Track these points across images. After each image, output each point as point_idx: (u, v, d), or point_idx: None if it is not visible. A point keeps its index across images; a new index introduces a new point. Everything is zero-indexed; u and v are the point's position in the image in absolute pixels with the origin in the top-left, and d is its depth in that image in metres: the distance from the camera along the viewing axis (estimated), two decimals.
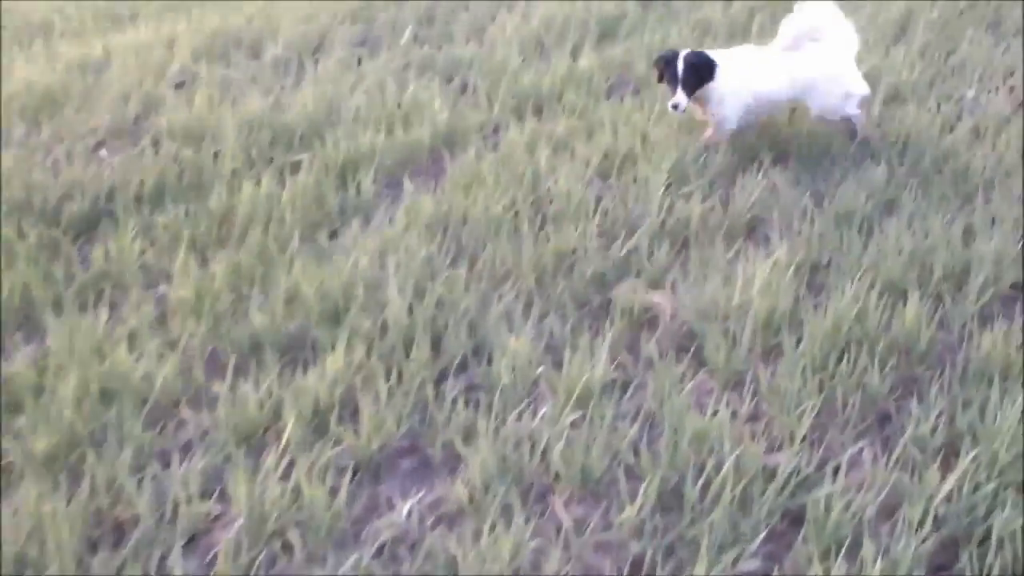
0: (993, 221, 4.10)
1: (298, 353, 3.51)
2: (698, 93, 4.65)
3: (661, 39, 6.16)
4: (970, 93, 5.40)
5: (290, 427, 3.11)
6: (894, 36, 6.16)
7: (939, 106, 5.22)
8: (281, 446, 3.06)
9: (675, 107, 4.59)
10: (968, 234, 4.02)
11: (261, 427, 3.17)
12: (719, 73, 4.63)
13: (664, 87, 4.74)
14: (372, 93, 5.63)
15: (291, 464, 2.99)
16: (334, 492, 2.91)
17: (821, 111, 4.88)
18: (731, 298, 3.63)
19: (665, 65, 4.64)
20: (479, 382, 3.35)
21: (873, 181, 4.41)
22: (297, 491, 2.89)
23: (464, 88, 5.79)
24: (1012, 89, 5.40)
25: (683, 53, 4.61)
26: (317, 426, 3.17)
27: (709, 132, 4.86)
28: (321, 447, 3.06)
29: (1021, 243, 3.93)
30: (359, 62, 6.21)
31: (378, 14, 7.10)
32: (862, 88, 4.85)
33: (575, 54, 6.08)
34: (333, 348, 3.44)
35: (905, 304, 3.54)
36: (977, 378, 3.27)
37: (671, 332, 3.56)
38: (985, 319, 3.58)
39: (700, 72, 4.60)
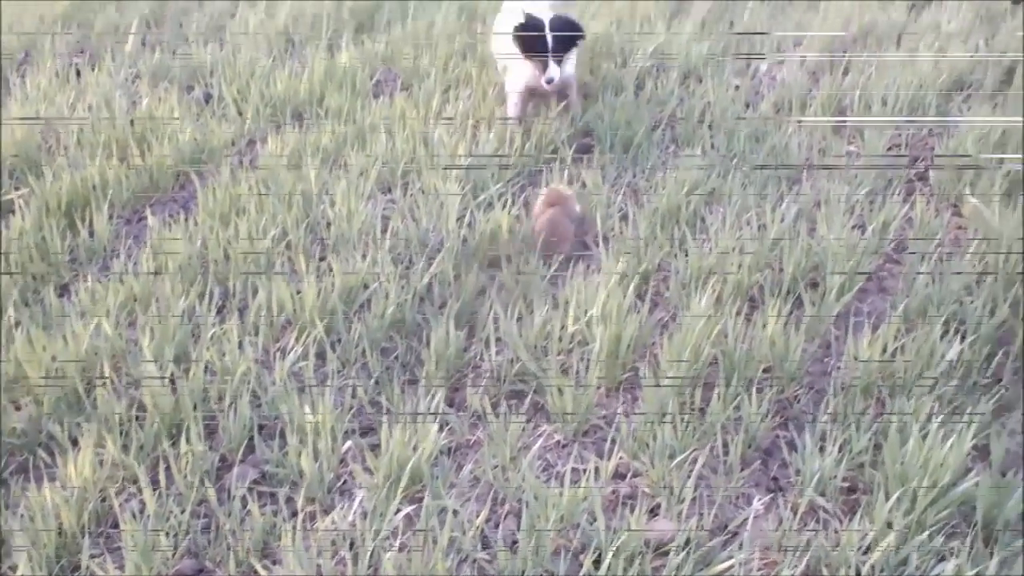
0: (816, 204, 3.72)
1: (28, 459, 2.70)
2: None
3: (426, 27, 5.53)
4: (763, 67, 5.06)
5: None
6: (674, 9, 5.77)
7: (736, 83, 4.84)
8: None
9: (549, 81, 4.16)
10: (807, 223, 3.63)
11: None
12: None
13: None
14: (98, 110, 4.69)
15: None
16: None
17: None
18: (565, 327, 3.06)
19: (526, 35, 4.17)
20: (273, 471, 2.65)
21: (690, 170, 3.94)
22: None
23: (208, 98, 4.96)
24: (804, 60, 5.09)
25: (548, 19, 4.18)
26: (62, 569, 2.38)
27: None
28: None
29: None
30: (78, 74, 5.25)
31: (95, 16, 6.12)
32: None
33: (332, 50, 5.37)
34: (75, 445, 2.65)
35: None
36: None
37: (500, 377, 2.95)
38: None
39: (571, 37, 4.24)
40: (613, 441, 2.71)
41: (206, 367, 2.93)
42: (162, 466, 2.62)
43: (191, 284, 3.35)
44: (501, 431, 2.69)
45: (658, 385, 2.78)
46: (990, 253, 3.36)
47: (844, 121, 4.43)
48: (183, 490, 2.57)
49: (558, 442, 2.76)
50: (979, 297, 3.17)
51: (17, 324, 3.18)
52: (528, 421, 2.81)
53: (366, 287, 3.32)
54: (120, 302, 3.26)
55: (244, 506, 2.53)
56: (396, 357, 3.07)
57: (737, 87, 4.80)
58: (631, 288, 3.20)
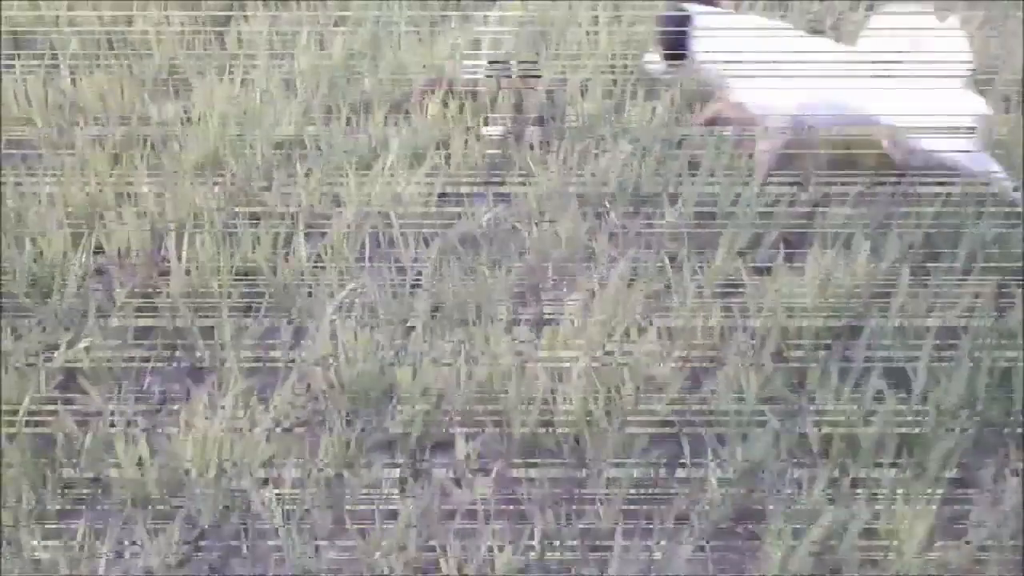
0: None
1: (403, 111, 4.15)
2: None
3: None
4: None
5: (393, 154, 3.75)
6: None
7: None
8: (386, 167, 3.70)
9: None
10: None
11: (370, 156, 3.81)
12: None
13: None
14: None
15: (392, 178, 3.63)
16: (427, 202, 3.55)
17: None
18: None
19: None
20: (553, 134, 3.96)
21: None
22: (397, 195, 3.54)
23: None
24: None
25: None
26: (416, 157, 3.80)
27: None
28: (419, 170, 3.70)
29: None
30: None
31: None
32: None
33: None
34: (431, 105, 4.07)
35: None
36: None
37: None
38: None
39: None
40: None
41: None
42: (482, 121, 3.99)
43: (520, 35, 4.70)
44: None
45: None
46: None
47: None
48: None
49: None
50: None
51: (400, 43, 4.65)
52: None
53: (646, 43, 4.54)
54: (471, 39, 4.65)
55: (531, 148, 3.85)
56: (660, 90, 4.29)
57: None
58: None
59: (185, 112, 4.17)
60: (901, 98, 3.34)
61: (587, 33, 4.58)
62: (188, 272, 3.21)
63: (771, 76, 3.43)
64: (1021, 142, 3.77)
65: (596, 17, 4.83)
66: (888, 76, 3.34)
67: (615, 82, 4.27)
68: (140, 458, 2.56)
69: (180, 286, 3.14)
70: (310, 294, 3.19)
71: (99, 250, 3.38)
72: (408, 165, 3.73)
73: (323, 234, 3.46)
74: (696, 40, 3.59)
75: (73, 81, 4.38)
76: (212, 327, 3.04)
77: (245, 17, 5.06)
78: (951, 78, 3.33)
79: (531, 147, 3.85)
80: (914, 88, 3.31)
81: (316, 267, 3.30)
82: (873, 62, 3.39)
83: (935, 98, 3.30)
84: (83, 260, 3.27)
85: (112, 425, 2.70)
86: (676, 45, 3.63)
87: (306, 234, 3.44)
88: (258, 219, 3.54)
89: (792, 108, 3.53)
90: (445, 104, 4.06)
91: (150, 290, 3.22)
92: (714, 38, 3.56)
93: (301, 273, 3.25)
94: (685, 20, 3.60)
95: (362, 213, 3.49)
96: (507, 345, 2.86)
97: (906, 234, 3.28)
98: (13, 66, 4.53)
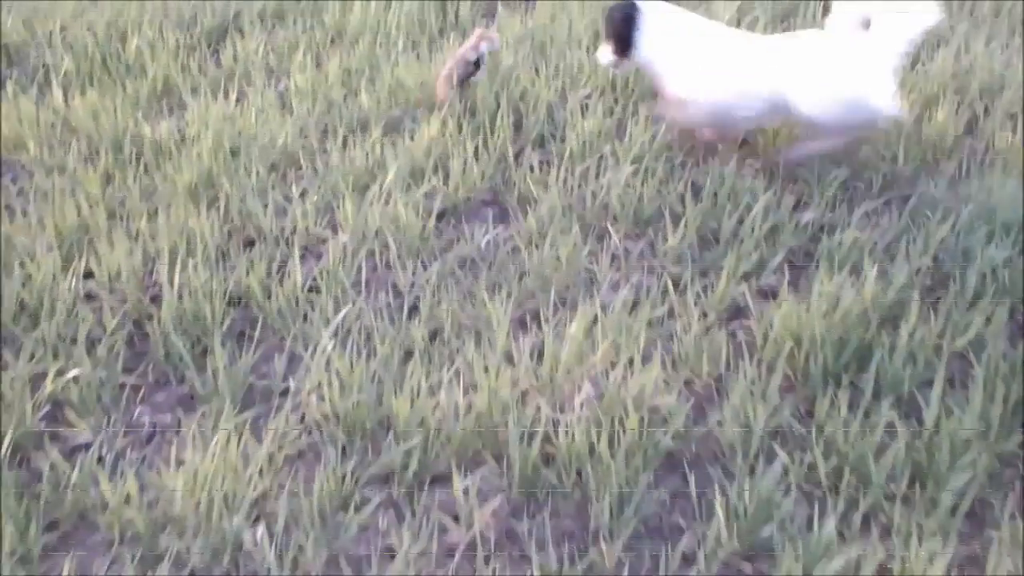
0: None
1: (399, 129, 4.07)
2: None
3: None
4: None
5: (391, 174, 3.67)
6: None
7: None
8: (383, 187, 3.63)
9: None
10: (1009, 60, 4.40)
11: (367, 176, 3.74)
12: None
13: None
14: None
15: (390, 200, 3.56)
16: (424, 224, 3.47)
17: None
18: None
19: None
20: (553, 153, 3.88)
21: None
22: (395, 218, 3.46)
23: None
24: None
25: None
26: (414, 176, 3.73)
27: None
28: (416, 190, 3.63)
29: None
30: None
31: None
32: None
33: None
34: (429, 124, 3.99)
35: (937, 110, 3.96)
36: (993, 166, 3.70)
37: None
38: (1010, 126, 3.98)
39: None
40: (787, 169, 3.74)
41: (521, 92, 4.20)
42: (481, 139, 3.92)
43: (520, 50, 4.63)
44: (711, 150, 3.80)
45: None
46: None
47: None
48: (492, 155, 3.85)
49: (751, 166, 3.81)
50: None
51: (398, 60, 4.58)
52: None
53: None
54: None
55: (531, 169, 3.77)
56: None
57: None
58: None
59: (179, 131, 4.10)
60: (812, 88, 3.54)
61: (587, 50, 4.51)
62: (180, 297, 3.14)
63: (701, 68, 3.72)
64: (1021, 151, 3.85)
65: (597, 33, 4.76)
66: (800, 67, 3.57)
67: (616, 100, 4.21)
68: (128, 494, 2.48)
69: (172, 312, 3.06)
70: (305, 318, 3.11)
71: (89, 274, 3.30)
72: (405, 187, 3.66)
73: (319, 257, 3.39)
74: (641, 34, 3.77)
75: (66, 100, 4.31)
76: (205, 354, 2.97)
77: (241, 34, 5.00)
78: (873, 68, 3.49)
79: (531, 168, 3.77)
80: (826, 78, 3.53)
81: (312, 291, 3.23)
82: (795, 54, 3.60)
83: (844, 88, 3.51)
84: (73, 285, 3.20)
85: (100, 459, 2.62)
86: (623, 39, 3.80)
87: (301, 257, 3.37)
88: (252, 243, 3.47)
89: (718, 97, 3.73)
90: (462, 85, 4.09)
91: (141, 316, 3.14)
92: (656, 33, 3.76)
93: (296, 298, 3.16)
94: (632, 15, 3.77)
95: (359, 236, 3.40)
96: (507, 375, 2.78)
97: (914, 257, 3.19)
98: (5, 85, 4.46)
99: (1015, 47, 4.51)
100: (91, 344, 2.99)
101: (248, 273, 3.24)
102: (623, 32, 3.78)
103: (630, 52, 3.81)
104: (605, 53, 3.91)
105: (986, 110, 4.09)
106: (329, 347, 2.88)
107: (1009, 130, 3.95)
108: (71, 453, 2.66)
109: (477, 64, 4.15)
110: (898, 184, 3.67)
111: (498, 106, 4.08)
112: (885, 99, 3.47)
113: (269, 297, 3.18)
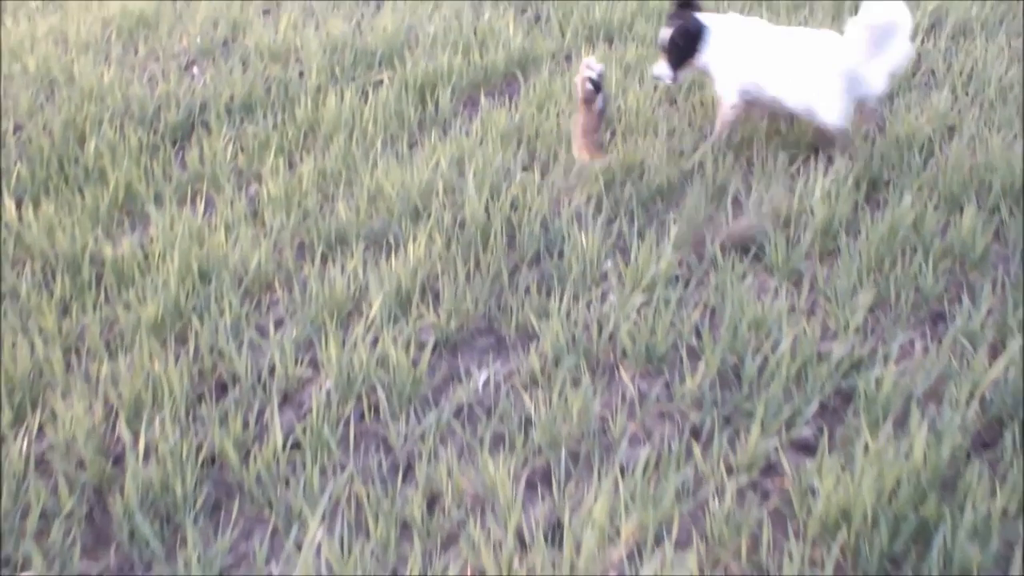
0: None
1: (381, 244, 3.75)
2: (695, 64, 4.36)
3: None
4: None
5: (376, 305, 3.35)
6: None
7: (1009, 41, 5.30)
8: (368, 321, 3.30)
9: (657, 77, 4.46)
10: None
11: (349, 305, 3.42)
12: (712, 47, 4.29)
13: None
14: (449, 21, 5.84)
15: (377, 338, 3.23)
16: (416, 362, 3.14)
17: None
18: (792, 205, 3.80)
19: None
20: (551, 273, 3.57)
21: (937, 107, 4.53)
22: (383, 359, 3.13)
23: (538, 18, 5.98)
24: None
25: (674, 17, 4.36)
26: (401, 305, 3.40)
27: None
28: (405, 323, 3.30)
29: None
30: None
31: None
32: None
33: None
34: (415, 239, 3.67)
35: (961, 216, 3.69)
36: None
37: (733, 235, 3.73)
38: None
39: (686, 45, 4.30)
40: (812, 288, 3.45)
41: (512, 201, 3.89)
42: (473, 260, 3.61)
43: (508, 148, 4.33)
44: (727, 268, 3.50)
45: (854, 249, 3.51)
46: None
47: None
48: (485, 276, 3.54)
49: (770, 285, 3.52)
50: None
51: (376, 162, 4.27)
52: (749, 267, 3.58)
53: (641, 163, 4.17)
54: (453, 154, 4.28)
55: (527, 293, 3.46)
56: (655, 213, 3.91)
57: (1009, 43, 5.25)
58: (851, 183, 3.89)
59: (143, 248, 3.76)
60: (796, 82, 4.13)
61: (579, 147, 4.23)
62: (147, 458, 2.80)
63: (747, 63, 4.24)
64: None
65: None
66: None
67: (616, 203, 3.91)
68: None
69: (137, 482, 2.71)
70: (288, 484, 2.77)
71: (43, 431, 2.95)
72: (393, 318, 3.33)
73: (300, 406, 3.06)
74: (705, 47, 4.27)
75: (19, 213, 3.96)
76: (176, 532, 2.63)
77: (207, 130, 4.68)
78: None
79: (527, 290, 3.46)
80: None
81: (295, 448, 2.89)
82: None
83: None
84: (23, 450, 2.84)
85: None
86: (686, 53, 4.30)
87: (281, 404, 3.04)
88: (225, 388, 3.13)
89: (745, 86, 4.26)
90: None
91: (102, 484, 2.79)
92: (716, 44, 4.27)
93: (277, 460, 2.82)
94: (699, 33, 4.26)
95: (344, 381, 3.07)
96: (520, 560, 2.45)
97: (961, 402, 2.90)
98: None
99: None
100: (45, 522, 2.64)
101: (222, 426, 2.90)
102: (689, 49, 4.27)
103: (686, 65, 4.32)
104: (662, 68, 4.35)
105: (1011, 211, 3.81)
106: (317, 534, 2.54)
107: None
108: None
109: (597, 86, 4.11)
110: (928, 303, 3.38)
111: (488, 218, 3.77)
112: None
113: (247, 458, 2.84)
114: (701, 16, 4.32)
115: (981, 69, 4.96)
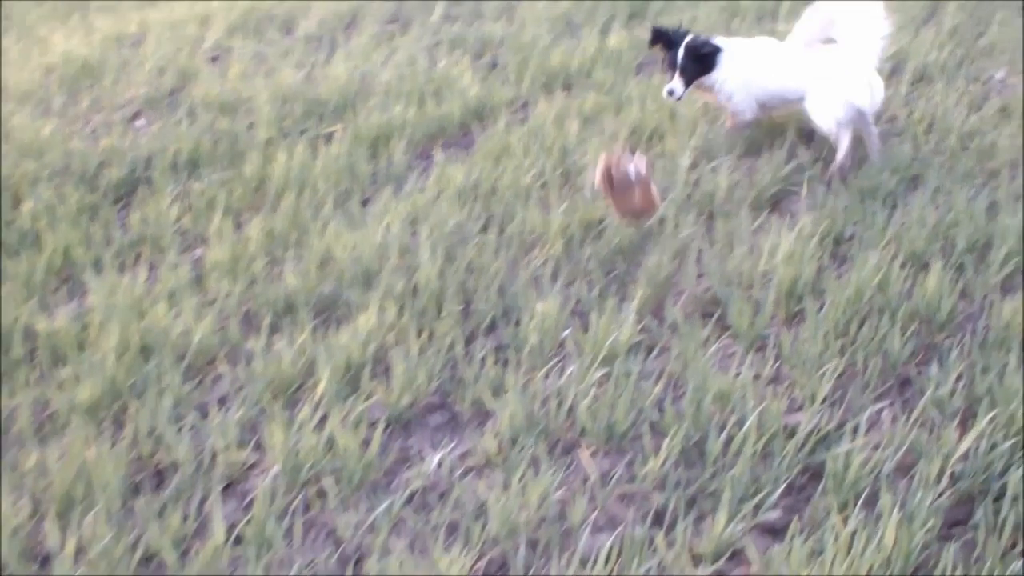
0: (1017, 197, 4.13)
1: (331, 313, 3.61)
2: (704, 81, 4.63)
3: (691, 18, 6.20)
4: (999, 74, 5.43)
5: (324, 382, 3.20)
6: (924, 18, 6.17)
7: (967, 86, 5.24)
8: (315, 399, 3.16)
9: (670, 93, 4.58)
10: (992, 209, 4.06)
11: (296, 382, 3.27)
12: (724, 63, 4.59)
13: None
14: (403, 68, 5.72)
15: (325, 416, 3.08)
16: (366, 444, 3.00)
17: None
18: (755, 266, 3.69)
19: (666, 44, 4.60)
20: (507, 342, 3.43)
21: (898, 158, 4.44)
22: (331, 441, 2.98)
23: (494, 65, 5.87)
24: None
25: (688, 38, 4.56)
26: (350, 381, 3.26)
27: (730, 122, 4.86)
28: (354, 401, 3.16)
29: None
30: (390, 38, 6.29)
31: None
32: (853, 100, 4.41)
33: (605, 32, 6.13)
34: (366, 308, 3.53)
35: (927, 274, 3.59)
36: (996, 345, 3.32)
37: (696, 298, 3.62)
38: (1006, 290, 3.62)
39: (702, 61, 4.56)
40: (777, 356, 3.33)
41: (467, 264, 3.76)
42: (426, 330, 3.47)
43: (463, 206, 4.20)
44: (689, 335, 3.38)
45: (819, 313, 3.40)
46: None
47: None
48: (439, 347, 3.40)
49: (733, 352, 3.40)
50: None
51: (327, 222, 4.12)
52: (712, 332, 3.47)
53: (601, 222, 4.05)
54: (407, 213, 4.14)
55: (482, 365, 3.32)
56: (615, 276, 3.79)
57: (967, 87, 5.19)
58: (815, 241, 3.79)
59: (80, 319, 3.59)
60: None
61: (540, 203, 4.10)
62: (76, 560, 2.63)
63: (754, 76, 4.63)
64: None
65: (544, 183, 4.36)
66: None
67: (576, 264, 3.79)
68: None
69: None
70: None
71: None
72: (342, 396, 3.18)
73: (243, 496, 2.90)
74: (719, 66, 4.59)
75: None
76: None
77: (151, 187, 4.52)
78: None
79: (482, 361, 3.32)
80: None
81: (237, 543, 2.73)
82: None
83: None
84: None
85: None
86: (702, 71, 4.58)
87: (224, 490, 2.88)
88: (163, 477, 2.97)
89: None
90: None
91: None
92: (728, 61, 4.60)
93: (217, 557, 2.66)
94: (715, 51, 4.57)
95: (289, 467, 2.92)
96: None
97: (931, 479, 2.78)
98: None
99: (998, 192, 4.17)
100: None
101: (160, 520, 2.74)
102: (706, 68, 4.56)
103: (696, 82, 4.58)
104: (678, 84, 4.52)
105: (975, 269, 3.72)
106: None
107: (1005, 296, 3.58)
108: None
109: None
110: (896, 369, 3.27)
111: (443, 284, 3.64)
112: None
113: (185, 555, 2.67)
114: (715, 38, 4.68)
115: (942, 116, 4.88)
